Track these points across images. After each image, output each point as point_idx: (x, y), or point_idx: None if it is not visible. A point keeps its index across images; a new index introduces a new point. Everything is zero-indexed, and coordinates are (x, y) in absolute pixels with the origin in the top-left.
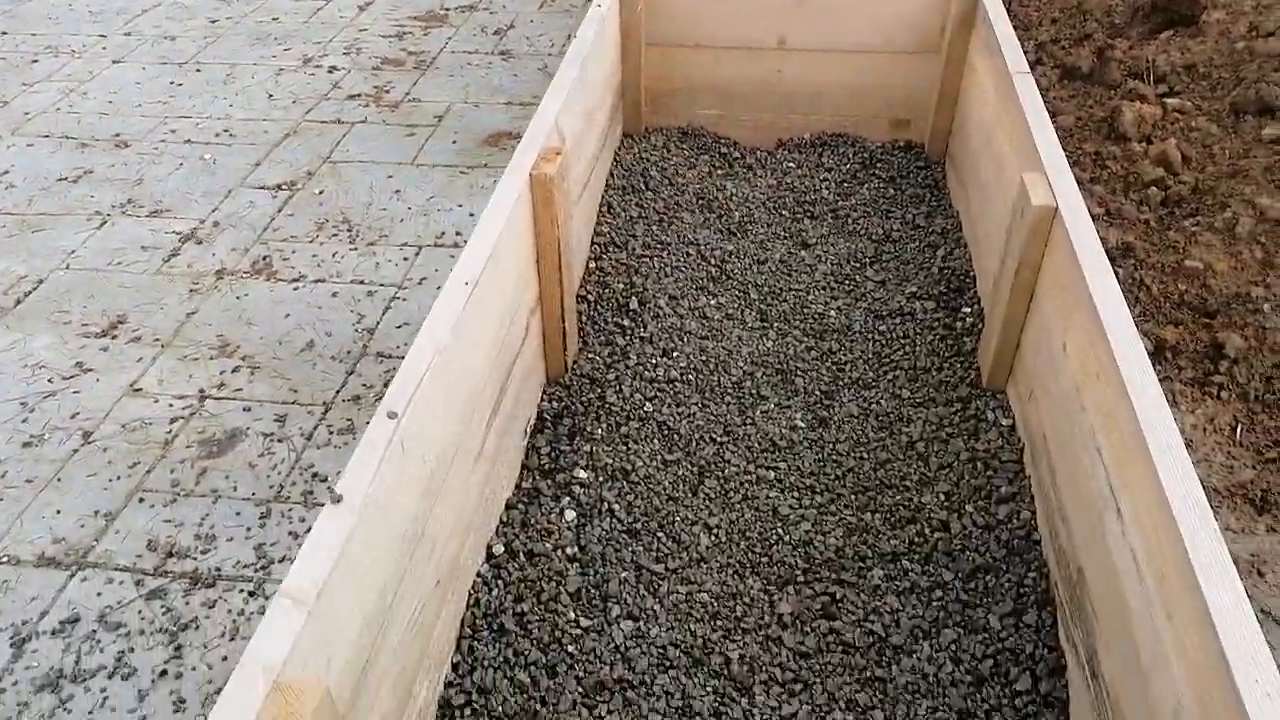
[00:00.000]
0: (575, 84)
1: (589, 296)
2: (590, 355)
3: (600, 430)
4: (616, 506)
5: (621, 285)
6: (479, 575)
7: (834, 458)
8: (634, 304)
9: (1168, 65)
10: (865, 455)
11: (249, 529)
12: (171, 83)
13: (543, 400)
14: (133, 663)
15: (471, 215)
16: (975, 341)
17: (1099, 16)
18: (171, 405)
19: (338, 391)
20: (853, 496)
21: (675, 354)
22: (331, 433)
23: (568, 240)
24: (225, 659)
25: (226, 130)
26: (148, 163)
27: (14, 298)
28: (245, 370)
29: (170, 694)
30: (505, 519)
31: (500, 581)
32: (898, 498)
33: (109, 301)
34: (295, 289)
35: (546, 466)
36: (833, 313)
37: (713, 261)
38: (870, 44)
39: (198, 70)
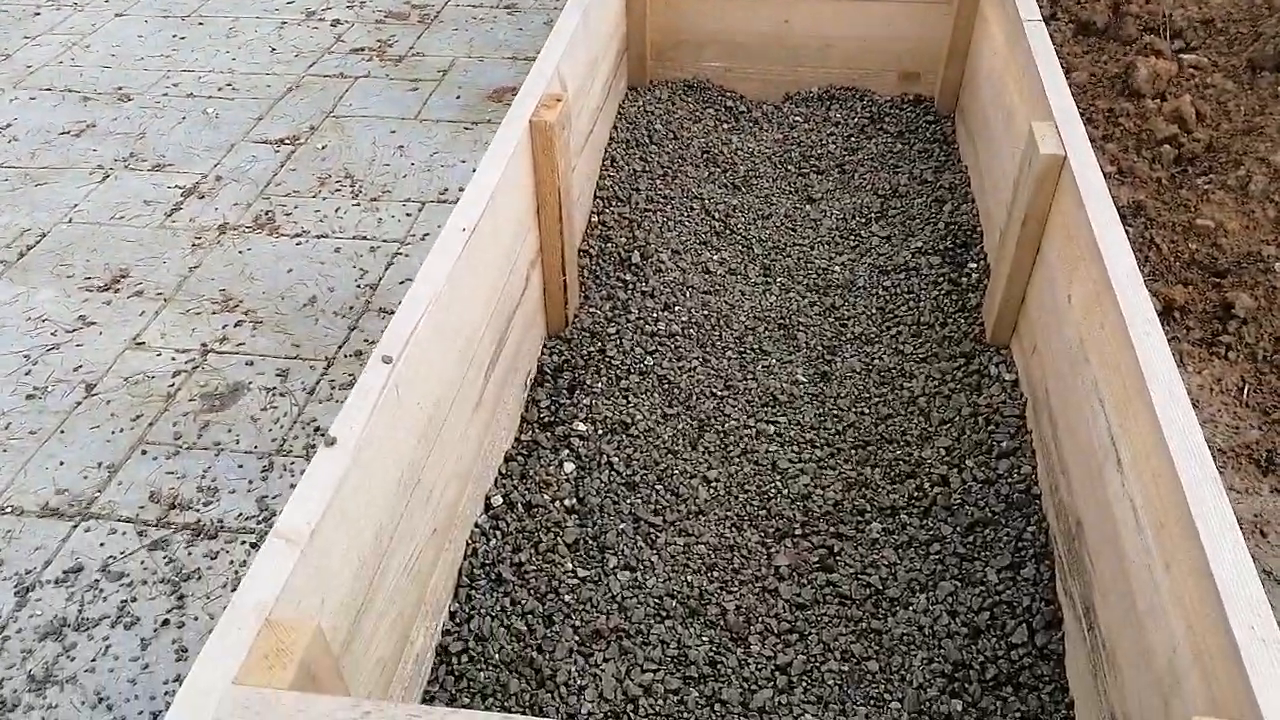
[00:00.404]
0: (578, 30)
1: (591, 250)
2: (591, 309)
3: (600, 384)
4: (616, 459)
5: (624, 239)
6: (477, 525)
7: (834, 412)
8: (636, 258)
9: (1184, 20)
10: (866, 410)
11: (251, 482)
12: (174, 36)
13: (543, 354)
14: (135, 612)
15: (475, 171)
16: (980, 297)
17: None
18: (174, 359)
19: (340, 346)
20: (852, 451)
21: (677, 308)
22: (334, 387)
23: (569, 190)
24: (227, 609)
25: (229, 84)
26: (150, 117)
27: (17, 251)
28: (248, 325)
29: (172, 642)
30: (504, 470)
31: (498, 532)
32: (898, 452)
33: (112, 255)
34: (298, 244)
35: (546, 419)
36: (836, 268)
37: (716, 216)
38: None
39: (200, 23)
